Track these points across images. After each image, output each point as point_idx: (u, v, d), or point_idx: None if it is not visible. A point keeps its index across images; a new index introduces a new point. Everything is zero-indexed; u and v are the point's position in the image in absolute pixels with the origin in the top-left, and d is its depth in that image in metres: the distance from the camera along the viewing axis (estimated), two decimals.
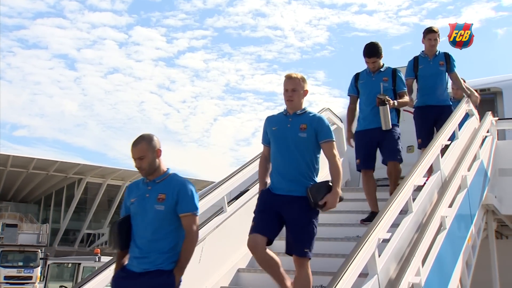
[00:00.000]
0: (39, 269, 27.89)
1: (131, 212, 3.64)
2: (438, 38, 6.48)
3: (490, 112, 7.21)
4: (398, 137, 5.72)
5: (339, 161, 3.99)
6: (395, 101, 5.64)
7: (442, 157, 5.43)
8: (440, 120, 6.03)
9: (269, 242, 3.94)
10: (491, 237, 7.30)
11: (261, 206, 4.04)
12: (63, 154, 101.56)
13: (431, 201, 4.94)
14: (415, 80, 6.54)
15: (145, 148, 3.58)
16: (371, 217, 5.24)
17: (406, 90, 5.89)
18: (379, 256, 3.76)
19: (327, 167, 4.00)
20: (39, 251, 30.50)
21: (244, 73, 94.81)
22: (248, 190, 5.33)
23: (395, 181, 5.66)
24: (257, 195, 4.21)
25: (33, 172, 51.10)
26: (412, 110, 6.62)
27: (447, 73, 6.53)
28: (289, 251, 3.94)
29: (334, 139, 4.05)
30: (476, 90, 7.04)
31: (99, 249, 19.49)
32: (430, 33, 6.44)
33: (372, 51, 5.73)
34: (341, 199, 3.90)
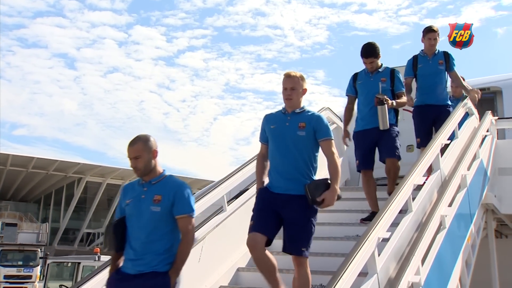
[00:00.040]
0: (38, 268, 27.87)
1: (126, 214, 3.62)
2: (437, 38, 6.47)
3: (490, 111, 7.21)
4: (396, 135, 5.71)
5: (338, 159, 3.99)
6: (394, 101, 5.64)
7: (441, 156, 5.43)
8: (439, 120, 6.01)
9: (269, 242, 3.93)
10: (491, 236, 7.30)
11: (260, 205, 4.03)
12: (63, 153, 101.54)
13: (430, 200, 4.94)
14: (414, 79, 6.55)
15: (141, 148, 3.58)
16: (371, 217, 5.24)
17: (404, 91, 5.89)
18: (379, 255, 3.77)
19: (326, 167, 4.00)
20: (39, 250, 30.46)
21: (243, 72, 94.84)
22: (248, 189, 5.33)
23: (393, 180, 5.66)
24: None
25: (32, 171, 51.07)
26: (412, 109, 6.62)
27: (446, 72, 6.53)
28: (286, 250, 3.93)
29: (333, 138, 4.05)
30: None
31: (98, 248, 19.46)
32: (429, 33, 6.44)
33: (369, 51, 5.72)
34: (339, 198, 3.88)
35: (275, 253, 4.17)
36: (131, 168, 3.65)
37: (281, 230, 3.99)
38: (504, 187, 7.19)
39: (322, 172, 4.11)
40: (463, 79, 6.79)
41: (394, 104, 5.65)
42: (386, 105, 5.51)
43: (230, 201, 5.21)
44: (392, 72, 5.79)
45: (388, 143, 5.64)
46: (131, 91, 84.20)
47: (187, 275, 4.33)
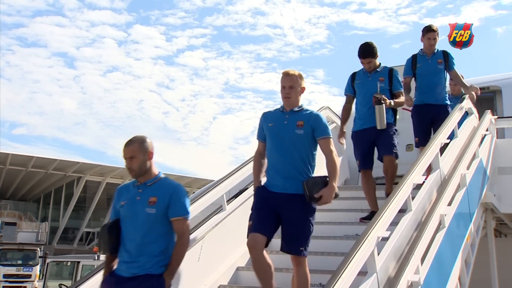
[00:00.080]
0: (38, 267, 27.87)
1: (121, 215, 3.60)
2: (437, 37, 6.46)
3: (489, 110, 7.20)
4: (394, 133, 5.70)
5: (337, 157, 3.98)
6: (392, 101, 5.64)
7: (441, 155, 5.43)
8: (438, 120, 5.98)
9: (267, 242, 3.92)
10: (490, 236, 7.29)
11: (258, 204, 4.02)
12: (62, 152, 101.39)
13: (430, 200, 4.94)
14: (413, 79, 6.54)
15: (136, 148, 3.57)
16: (371, 216, 5.23)
17: (402, 90, 5.88)
18: (378, 254, 3.76)
19: (325, 166, 3.99)
20: (38, 249, 30.45)
21: (243, 71, 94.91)
22: (247, 188, 5.32)
23: (391, 180, 5.63)
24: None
25: (32, 171, 51.08)
26: (411, 108, 6.61)
27: (446, 72, 6.52)
28: (285, 250, 3.92)
29: (331, 136, 4.04)
30: None
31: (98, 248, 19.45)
32: (429, 32, 6.43)
33: (366, 51, 5.71)
34: (336, 196, 3.86)
35: (275, 252, 4.17)
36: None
37: (279, 229, 3.99)
38: (504, 186, 7.18)
39: (320, 171, 4.10)
40: (462, 77, 6.78)
41: (392, 103, 5.64)
42: (384, 104, 5.50)
43: (229, 200, 5.21)
44: (390, 71, 5.77)
45: (385, 141, 5.63)
46: (130, 90, 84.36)
47: (186, 274, 4.34)
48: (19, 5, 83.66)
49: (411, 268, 3.80)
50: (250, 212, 4.05)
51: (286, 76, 4.08)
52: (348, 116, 6.05)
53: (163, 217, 3.50)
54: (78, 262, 16.54)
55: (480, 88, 7.28)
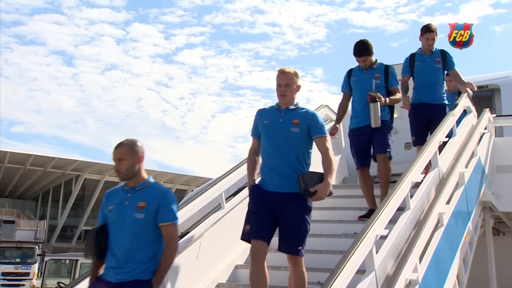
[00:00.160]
0: (36, 265, 27.89)
1: (109, 220, 3.55)
2: (435, 37, 6.46)
3: (488, 109, 7.21)
4: (389, 132, 5.69)
5: (333, 155, 3.95)
6: (387, 98, 5.62)
7: (439, 153, 5.43)
8: (435, 120, 5.95)
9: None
10: (488, 234, 7.30)
11: (255, 206, 3.99)
12: (61, 150, 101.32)
13: (428, 198, 4.94)
14: (411, 78, 6.54)
15: (125, 151, 3.53)
16: (369, 214, 5.24)
17: (398, 87, 5.86)
18: (377, 252, 3.76)
19: (321, 165, 3.98)
20: (37, 247, 30.47)
21: (242, 70, 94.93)
22: (246, 186, 5.32)
23: (385, 183, 5.56)
24: None
25: (30, 169, 51.01)
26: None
27: (445, 71, 6.52)
28: (282, 249, 3.91)
29: (327, 135, 4.03)
30: None
31: None
32: (427, 33, 6.41)
33: (361, 50, 5.70)
34: (330, 194, 3.82)
35: (273, 250, 4.17)
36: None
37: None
38: (502, 185, 7.19)
39: (316, 170, 4.09)
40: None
41: (388, 101, 5.63)
42: (378, 102, 5.49)
43: (228, 198, 5.21)
44: (386, 68, 5.75)
45: (379, 140, 5.61)
46: (129, 89, 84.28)
47: (185, 272, 4.34)
48: (17, 3, 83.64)
49: (410, 266, 3.80)
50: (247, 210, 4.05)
51: (282, 74, 4.06)
52: (343, 113, 6.04)
53: (152, 222, 3.45)
54: (77, 260, 16.55)
55: (479, 87, 7.29)
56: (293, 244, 3.85)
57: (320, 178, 3.82)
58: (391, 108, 5.83)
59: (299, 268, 3.89)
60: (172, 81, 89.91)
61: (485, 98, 8.87)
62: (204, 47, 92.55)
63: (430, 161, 5.25)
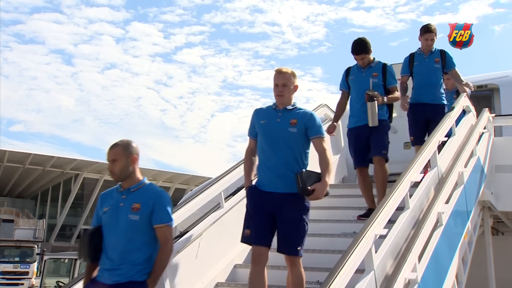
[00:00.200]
0: (35, 264, 27.87)
1: (103, 222, 3.52)
2: (435, 37, 6.45)
3: (487, 108, 7.21)
4: (386, 132, 5.66)
5: (330, 155, 3.96)
6: (385, 97, 5.61)
7: (439, 153, 5.42)
8: (434, 120, 5.94)
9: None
10: (487, 234, 7.30)
11: (254, 209, 3.97)
12: (60, 149, 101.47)
13: (427, 198, 4.94)
14: (410, 77, 6.53)
15: (119, 151, 3.50)
16: (368, 214, 5.24)
17: (396, 85, 5.83)
18: (376, 252, 3.76)
19: (318, 167, 3.97)
20: (36, 246, 30.47)
21: (241, 69, 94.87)
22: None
23: (382, 186, 5.52)
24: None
25: (29, 168, 50.97)
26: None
27: (444, 71, 6.51)
28: (281, 250, 3.89)
29: (324, 135, 4.03)
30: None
31: None
32: (427, 33, 6.40)
33: (359, 48, 5.67)
34: (327, 194, 3.82)
35: (272, 250, 4.17)
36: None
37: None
38: (501, 185, 7.19)
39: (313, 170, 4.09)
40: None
41: (385, 100, 5.62)
42: (376, 101, 5.48)
43: (227, 198, 5.21)
44: (384, 66, 5.72)
45: (375, 141, 5.58)
46: (128, 88, 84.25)
47: (184, 271, 4.34)
48: (16, 1, 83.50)
49: (409, 266, 3.80)
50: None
51: (279, 74, 4.05)
52: (342, 112, 6.04)
53: (147, 224, 3.42)
54: (76, 259, 16.53)
55: (478, 86, 7.28)
56: (292, 245, 3.84)
57: (318, 177, 3.82)
58: (390, 107, 5.81)
59: (297, 268, 3.88)
60: (171, 80, 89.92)
61: (484, 97, 8.87)
62: (204, 46, 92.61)
63: (429, 160, 5.25)
